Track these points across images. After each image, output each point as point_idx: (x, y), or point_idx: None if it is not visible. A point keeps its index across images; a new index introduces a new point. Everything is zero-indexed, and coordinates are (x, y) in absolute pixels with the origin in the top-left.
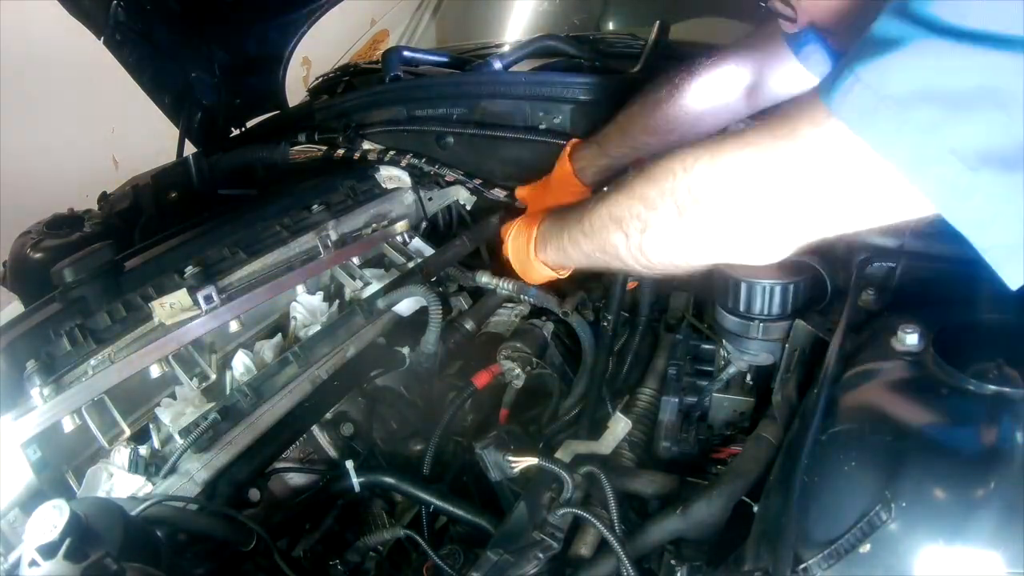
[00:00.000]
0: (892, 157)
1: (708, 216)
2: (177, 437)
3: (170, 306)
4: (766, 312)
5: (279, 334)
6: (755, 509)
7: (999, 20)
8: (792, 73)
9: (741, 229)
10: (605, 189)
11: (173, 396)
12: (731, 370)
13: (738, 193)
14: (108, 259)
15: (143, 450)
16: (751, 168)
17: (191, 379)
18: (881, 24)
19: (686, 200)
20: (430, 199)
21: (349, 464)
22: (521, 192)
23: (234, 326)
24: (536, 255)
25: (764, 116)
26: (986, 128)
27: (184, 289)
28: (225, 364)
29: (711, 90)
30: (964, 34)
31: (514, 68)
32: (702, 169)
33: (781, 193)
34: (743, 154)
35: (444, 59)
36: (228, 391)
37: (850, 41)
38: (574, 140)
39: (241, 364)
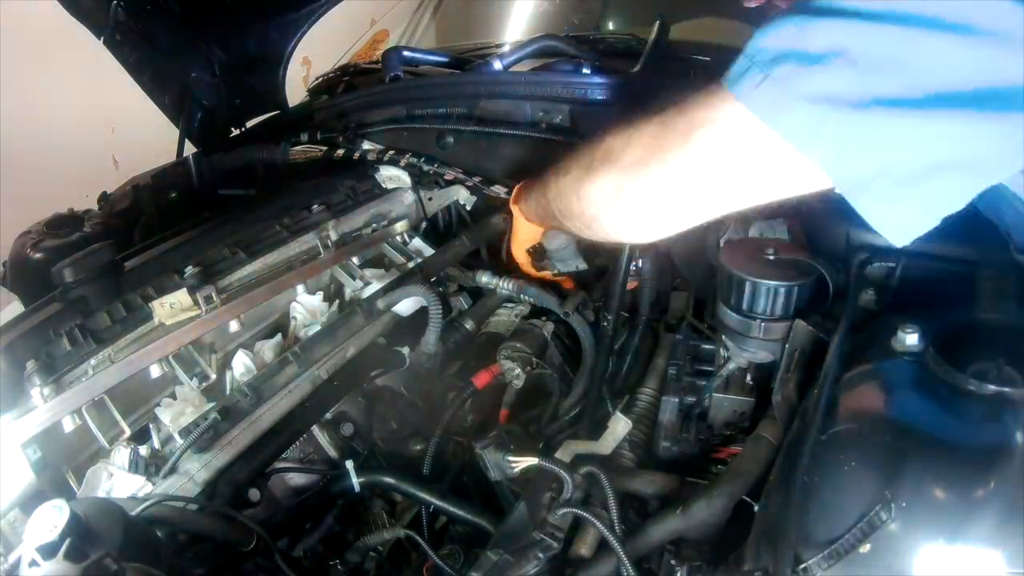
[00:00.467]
0: (753, 107)
1: (622, 180)
2: (177, 437)
3: (170, 306)
4: (769, 312)
5: (279, 334)
6: (755, 509)
7: None
8: None
9: (644, 198)
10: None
11: (173, 396)
12: (731, 366)
13: (640, 167)
14: (108, 259)
15: (143, 450)
16: (656, 150)
17: (191, 379)
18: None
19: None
20: (430, 199)
21: (349, 464)
22: (516, 200)
23: (234, 326)
24: (517, 204)
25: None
26: (833, 78)
27: (184, 289)
28: (225, 364)
29: None
30: (829, 10)
31: (514, 68)
32: (629, 147)
33: (677, 172)
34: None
35: (444, 59)
36: (228, 391)
37: None
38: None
39: (241, 364)
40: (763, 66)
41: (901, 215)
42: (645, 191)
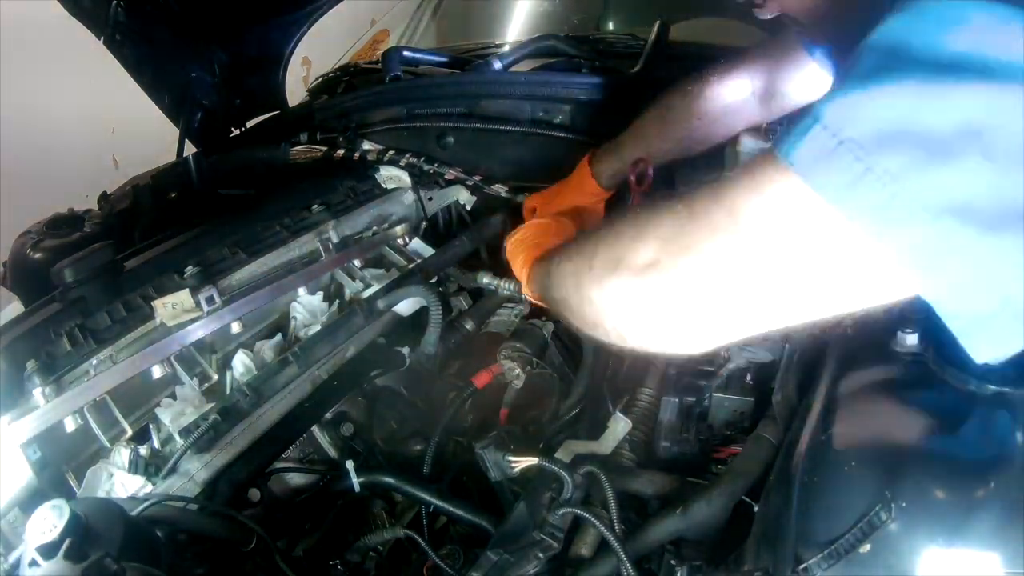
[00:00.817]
0: (850, 212)
1: (654, 287)
2: (177, 437)
3: (171, 306)
4: None
5: (279, 334)
6: (755, 509)
7: (996, 44)
8: (809, 77)
9: (696, 304)
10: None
11: (173, 396)
12: (731, 366)
13: (685, 270)
14: (108, 259)
15: (143, 450)
16: (695, 249)
17: (192, 379)
18: (862, 53)
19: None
20: (430, 199)
21: (349, 464)
22: (531, 202)
23: (235, 327)
24: (528, 286)
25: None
26: (965, 178)
27: (186, 290)
28: (225, 364)
29: (726, 96)
30: (950, 63)
31: (514, 68)
32: (647, 243)
33: (727, 271)
34: (671, 227)
35: (444, 59)
36: (228, 391)
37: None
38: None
39: (241, 364)
40: (857, 149)
41: (1012, 348)
42: (666, 297)
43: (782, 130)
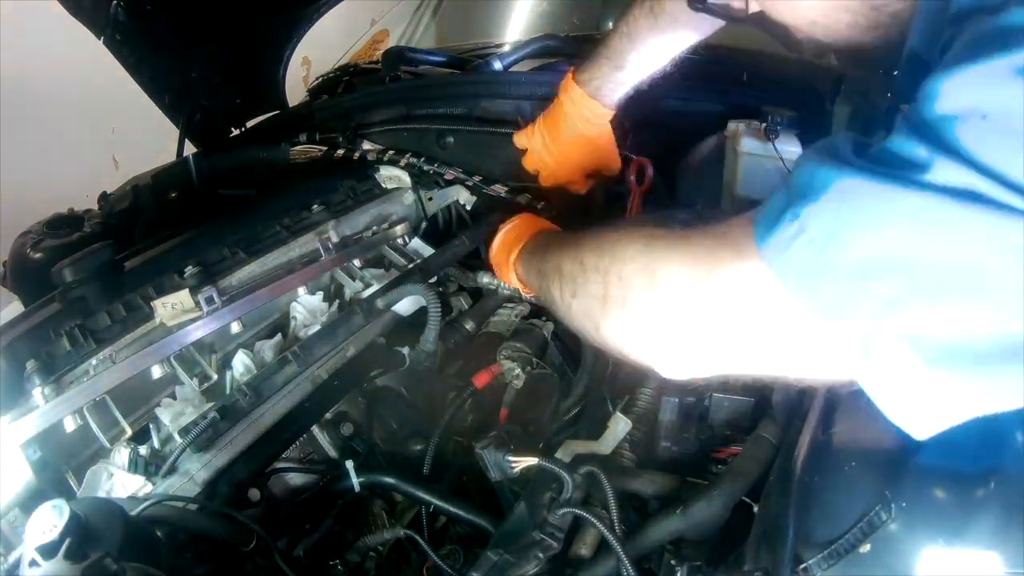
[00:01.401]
0: (833, 329)
1: (628, 312)
2: (177, 437)
3: (171, 306)
4: None
5: (279, 334)
6: (755, 509)
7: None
8: None
9: (658, 337)
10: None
11: (173, 396)
12: None
13: (658, 304)
14: (108, 259)
15: (143, 450)
16: (674, 285)
17: (192, 379)
18: (844, 138)
19: (614, 287)
20: (430, 199)
21: (349, 464)
22: (522, 140)
23: (235, 327)
24: (513, 264)
25: (706, 224)
26: (955, 315)
27: (186, 290)
28: (225, 364)
29: None
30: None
31: (514, 68)
32: (634, 264)
33: (698, 319)
34: (673, 268)
35: (444, 59)
36: (228, 391)
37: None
38: (572, 68)
39: (241, 364)
40: (835, 267)
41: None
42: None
43: (759, 211)
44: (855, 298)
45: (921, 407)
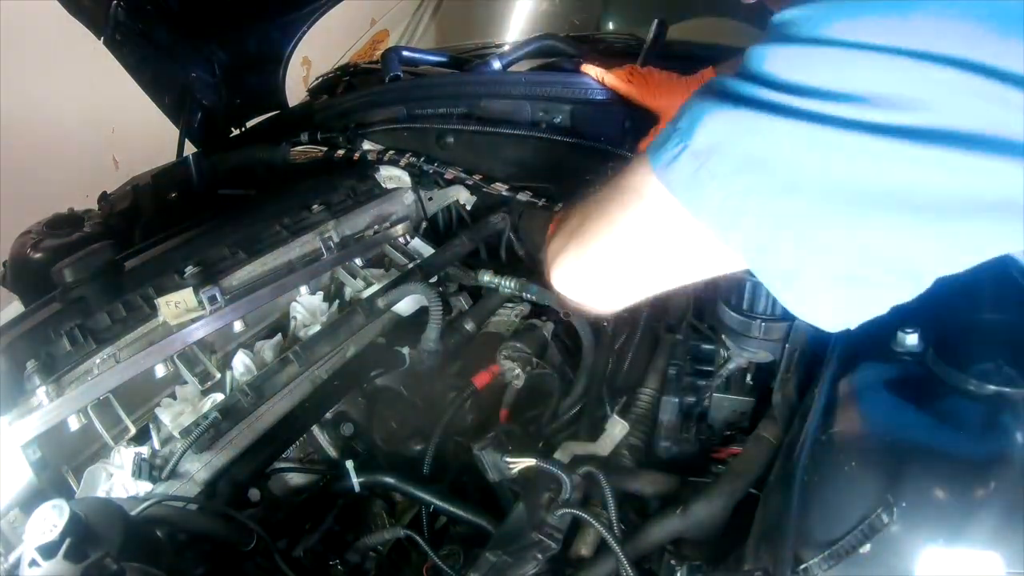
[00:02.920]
0: (670, 185)
1: (574, 257)
2: (177, 437)
3: (175, 305)
4: (769, 312)
5: (279, 334)
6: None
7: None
8: None
9: (590, 275)
10: None
11: (173, 396)
12: (731, 367)
13: (586, 243)
14: (108, 259)
15: (143, 450)
16: (598, 223)
17: (193, 379)
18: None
19: (562, 237)
20: (430, 199)
21: (349, 464)
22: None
23: (237, 326)
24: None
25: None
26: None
27: (190, 288)
28: (225, 364)
29: None
30: (763, 102)
31: (514, 68)
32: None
33: (612, 248)
34: (598, 202)
35: (444, 59)
36: (228, 391)
37: None
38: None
39: (241, 364)
40: (716, 172)
41: (829, 310)
42: (579, 259)
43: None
44: (740, 200)
45: (818, 298)
